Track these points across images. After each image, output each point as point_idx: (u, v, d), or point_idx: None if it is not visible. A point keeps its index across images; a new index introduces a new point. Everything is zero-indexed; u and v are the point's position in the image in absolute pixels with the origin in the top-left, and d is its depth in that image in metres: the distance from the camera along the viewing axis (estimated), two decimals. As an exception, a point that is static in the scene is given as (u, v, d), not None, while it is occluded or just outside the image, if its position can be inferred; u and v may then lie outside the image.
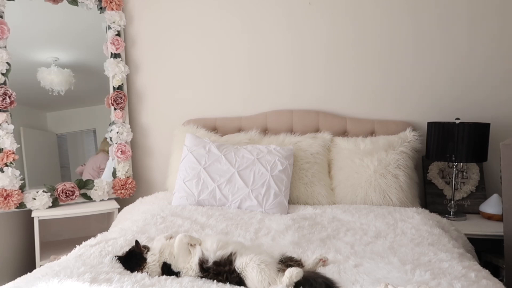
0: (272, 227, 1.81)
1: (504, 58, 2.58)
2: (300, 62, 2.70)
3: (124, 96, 2.65)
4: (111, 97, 2.62)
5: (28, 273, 1.30)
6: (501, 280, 1.39)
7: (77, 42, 2.66)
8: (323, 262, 1.38)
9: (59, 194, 2.42)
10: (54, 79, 2.55)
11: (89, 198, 2.54)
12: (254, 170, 2.19)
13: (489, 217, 2.38)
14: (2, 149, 2.27)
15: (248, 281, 1.20)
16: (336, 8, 2.65)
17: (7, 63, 2.31)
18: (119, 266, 1.31)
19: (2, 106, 2.27)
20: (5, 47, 2.32)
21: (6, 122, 2.29)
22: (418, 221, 1.89)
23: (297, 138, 2.47)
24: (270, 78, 2.72)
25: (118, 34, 2.65)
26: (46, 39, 2.59)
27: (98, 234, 1.65)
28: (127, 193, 2.65)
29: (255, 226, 1.82)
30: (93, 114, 2.74)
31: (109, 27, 2.62)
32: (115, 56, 2.63)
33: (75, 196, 2.47)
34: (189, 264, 1.28)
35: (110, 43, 2.60)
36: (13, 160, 2.29)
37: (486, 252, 2.31)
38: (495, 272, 2.23)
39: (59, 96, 2.56)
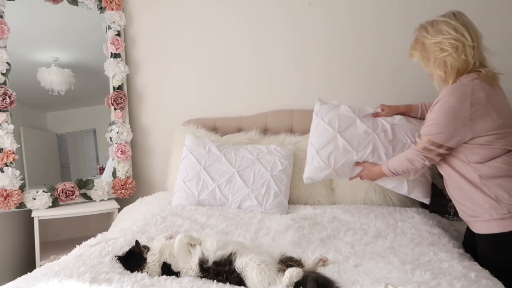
0: (272, 227, 1.81)
1: (504, 57, 2.57)
2: (300, 62, 2.70)
3: (124, 96, 2.65)
4: (111, 97, 2.62)
5: (28, 273, 1.30)
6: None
7: (77, 42, 2.66)
8: (323, 262, 1.38)
9: (59, 194, 2.42)
10: (54, 79, 2.55)
11: (89, 198, 2.54)
12: (254, 170, 2.19)
13: (489, 217, 2.37)
14: (2, 149, 2.27)
15: (248, 281, 1.20)
16: (336, 8, 2.64)
17: (7, 63, 2.31)
18: (119, 266, 1.32)
19: (2, 106, 2.27)
20: (5, 47, 2.32)
21: (6, 122, 2.29)
22: (418, 221, 1.89)
23: (297, 138, 2.47)
24: (270, 78, 2.72)
25: (118, 34, 2.65)
26: (46, 39, 2.60)
27: (98, 234, 1.65)
28: (127, 193, 2.65)
29: (255, 226, 1.82)
30: (93, 114, 2.74)
31: (109, 27, 2.62)
32: (115, 56, 2.63)
33: (75, 196, 2.47)
34: (189, 264, 1.29)
35: (110, 43, 2.60)
36: (13, 160, 2.29)
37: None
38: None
39: (59, 96, 2.56)
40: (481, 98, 1.48)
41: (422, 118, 1.92)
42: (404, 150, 1.83)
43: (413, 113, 1.97)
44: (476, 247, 1.61)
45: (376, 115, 1.99)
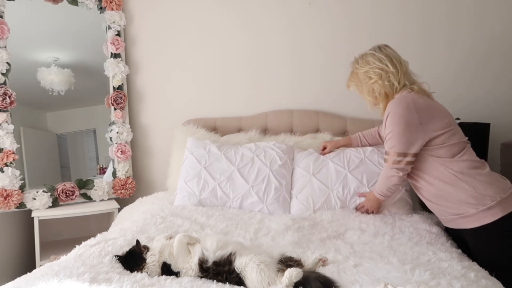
0: (272, 227, 1.81)
1: (505, 57, 2.58)
2: (300, 61, 2.70)
3: (124, 96, 2.65)
4: (111, 97, 2.62)
5: (28, 273, 1.30)
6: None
7: (77, 42, 2.66)
8: (323, 262, 1.38)
9: (59, 194, 2.42)
10: (54, 79, 2.55)
11: (89, 198, 2.54)
12: (253, 166, 2.19)
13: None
14: (2, 149, 2.28)
15: (247, 281, 1.20)
16: (335, 8, 2.64)
17: (7, 63, 2.31)
18: (118, 266, 1.32)
19: (2, 106, 2.27)
20: (5, 47, 2.32)
21: (6, 122, 2.29)
22: (416, 219, 1.90)
23: (297, 138, 2.47)
24: (270, 78, 2.72)
25: (118, 34, 2.65)
26: (46, 39, 2.60)
27: (98, 234, 1.65)
28: (127, 193, 2.65)
29: (255, 226, 1.82)
30: (93, 114, 2.74)
31: (109, 27, 2.62)
32: (115, 56, 2.63)
33: (75, 196, 2.47)
34: (188, 264, 1.29)
35: (110, 43, 2.60)
36: (13, 160, 2.29)
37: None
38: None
39: (59, 96, 2.56)
40: (422, 104, 1.66)
41: (365, 146, 2.22)
42: (378, 178, 2.01)
43: (353, 144, 2.24)
44: (458, 245, 1.67)
45: (322, 153, 2.26)
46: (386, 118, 1.71)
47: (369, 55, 1.79)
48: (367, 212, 2.00)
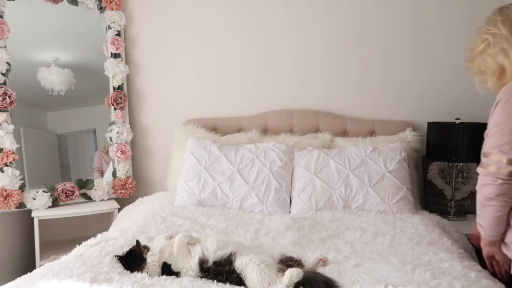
0: (272, 227, 1.81)
1: (504, 58, 2.57)
2: (300, 62, 2.70)
3: (124, 96, 2.65)
4: (111, 97, 2.62)
5: (28, 273, 1.30)
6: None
7: (77, 42, 2.66)
8: (323, 262, 1.38)
9: (59, 194, 2.42)
10: (54, 79, 2.55)
11: (89, 198, 2.54)
12: (253, 167, 2.19)
13: (489, 217, 2.36)
14: (2, 149, 2.27)
15: (248, 281, 1.20)
16: (337, 8, 2.64)
17: (7, 63, 2.31)
18: (119, 266, 1.32)
19: (2, 106, 2.27)
20: (5, 47, 2.31)
21: (6, 122, 2.29)
22: (417, 220, 1.90)
23: (297, 138, 2.47)
24: (270, 78, 2.72)
25: (118, 34, 2.64)
26: (46, 39, 2.59)
27: (98, 234, 1.65)
28: (127, 193, 2.65)
29: (255, 226, 1.82)
30: (93, 114, 2.74)
31: (109, 27, 2.62)
32: (115, 56, 2.63)
33: (75, 196, 2.47)
34: (189, 264, 1.29)
35: (110, 43, 2.60)
36: (13, 160, 2.28)
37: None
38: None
39: (59, 96, 2.56)
40: None
41: None
42: (379, 177, 2.06)
43: None
44: None
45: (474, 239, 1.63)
46: (495, 107, 1.28)
47: (487, 20, 1.37)
48: (499, 268, 1.46)
